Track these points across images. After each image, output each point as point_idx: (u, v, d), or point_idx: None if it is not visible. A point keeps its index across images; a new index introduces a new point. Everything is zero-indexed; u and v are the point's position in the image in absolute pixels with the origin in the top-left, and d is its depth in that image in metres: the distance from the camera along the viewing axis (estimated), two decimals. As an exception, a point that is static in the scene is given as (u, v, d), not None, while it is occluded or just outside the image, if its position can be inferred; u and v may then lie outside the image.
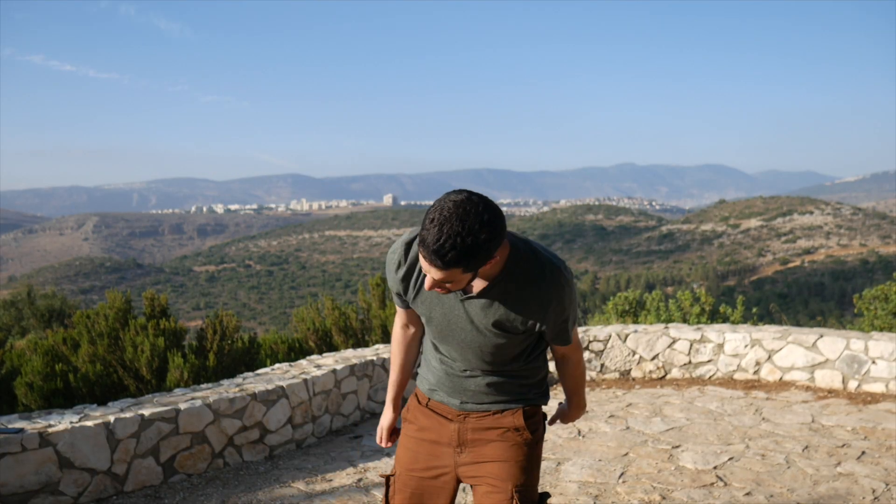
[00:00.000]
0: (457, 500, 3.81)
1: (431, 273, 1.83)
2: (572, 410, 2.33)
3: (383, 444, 2.36)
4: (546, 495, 2.20)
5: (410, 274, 2.04)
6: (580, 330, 6.69)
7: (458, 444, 2.13)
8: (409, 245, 2.03)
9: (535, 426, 2.14)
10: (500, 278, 1.94)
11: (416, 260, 2.01)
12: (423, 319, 2.12)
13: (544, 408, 2.63)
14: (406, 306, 2.19)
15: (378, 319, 8.47)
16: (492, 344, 2.01)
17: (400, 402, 2.39)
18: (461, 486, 2.21)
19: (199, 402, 4.27)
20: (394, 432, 2.37)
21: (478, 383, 2.11)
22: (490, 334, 2.00)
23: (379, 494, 3.92)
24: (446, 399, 2.17)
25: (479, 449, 2.11)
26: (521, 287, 1.95)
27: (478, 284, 1.96)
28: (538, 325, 1.98)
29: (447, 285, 1.88)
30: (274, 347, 7.43)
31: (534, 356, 2.13)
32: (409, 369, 2.35)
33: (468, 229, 1.74)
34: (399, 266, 2.04)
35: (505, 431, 2.10)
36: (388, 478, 2.25)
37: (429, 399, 2.22)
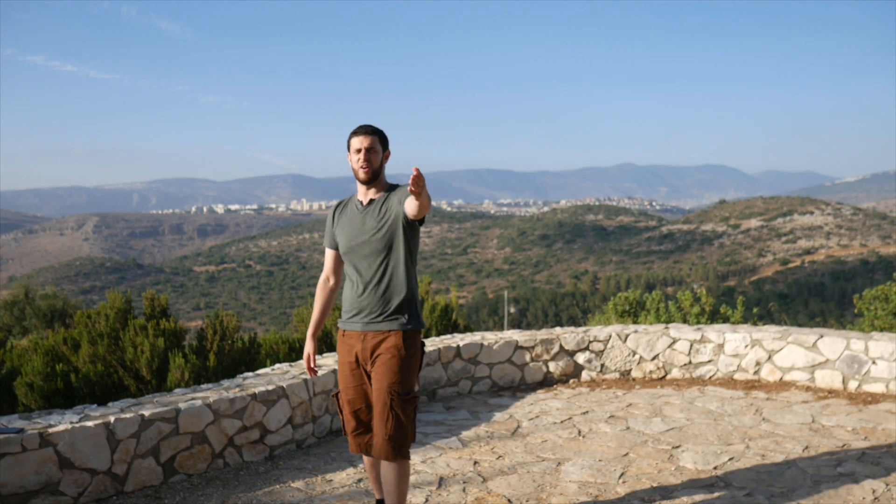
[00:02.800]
0: (458, 501, 3.82)
1: (362, 143, 3.18)
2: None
3: (308, 374, 3.54)
4: (418, 393, 3.35)
5: (335, 214, 3.38)
6: (580, 330, 6.70)
7: (363, 360, 3.24)
8: (337, 204, 3.41)
9: (410, 345, 3.19)
10: (384, 193, 3.26)
11: (338, 209, 3.38)
12: (340, 241, 3.29)
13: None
14: (332, 244, 3.37)
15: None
16: (377, 236, 3.18)
17: (318, 336, 3.47)
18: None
19: (199, 403, 4.27)
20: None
21: (371, 297, 3.19)
22: (378, 229, 3.18)
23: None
24: (352, 326, 3.26)
25: (373, 361, 3.19)
26: (394, 191, 3.25)
27: (370, 196, 3.25)
28: (400, 203, 3.14)
29: (370, 155, 3.18)
30: (274, 348, 7.42)
31: (404, 257, 3.20)
32: (327, 311, 3.47)
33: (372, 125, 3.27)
34: (334, 212, 3.39)
35: (389, 348, 3.16)
36: (336, 395, 3.39)
37: (343, 331, 3.32)
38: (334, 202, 3.49)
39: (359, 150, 3.20)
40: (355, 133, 3.23)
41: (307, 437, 4.89)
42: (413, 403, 3.17)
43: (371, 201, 3.24)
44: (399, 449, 3.11)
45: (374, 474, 3.44)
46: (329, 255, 3.42)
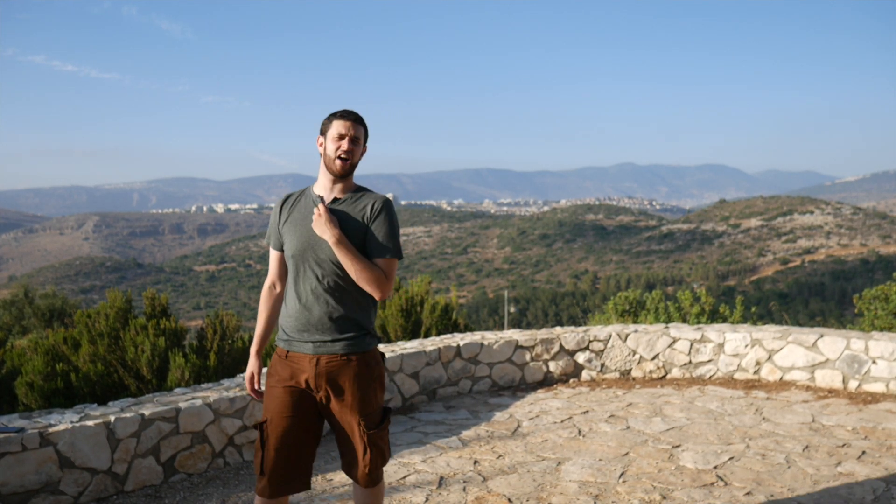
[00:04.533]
0: (458, 501, 3.81)
1: (348, 130, 2.70)
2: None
3: (249, 392, 2.92)
4: (388, 409, 2.84)
5: (283, 209, 2.83)
6: (580, 330, 6.70)
7: (316, 388, 2.71)
8: (285, 198, 2.88)
9: (375, 366, 2.77)
10: (351, 193, 2.77)
11: (286, 204, 2.84)
12: (288, 242, 2.76)
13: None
14: (278, 244, 2.85)
15: (378, 319, 8.47)
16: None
17: (262, 353, 2.95)
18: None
19: (199, 402, 4.28)
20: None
21: (322, 312, 2.69)
22: (343, 231, 2.67)
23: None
24: (301, 347, 2.73)
25: (330, 390, 2.70)
26: (362, 197, 2.76)
27: (335, 194, 2.77)
28: (369, 222, 2.69)
29: (353, 146, 2.71)
30: (274, 347, 7.43)
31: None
32: (272, 324, 2.94)
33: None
34: (281, 206, 2.84)
35: (353, 377, 2.70)
36: (260, 424, 2.74)
37: (287, 352, 2.77)
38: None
39: (342, 137, 2.70)
40: (340, 117, 2.72)
41: (307, 436, 4.89)
42: (386, 428, 2.81)
43: (336, 199, 2.75)
44: (380, 477, 2.83)
45: None
46: (274, 257, 2.90)
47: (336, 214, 2.70)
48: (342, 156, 2.69)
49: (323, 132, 2.76)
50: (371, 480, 2.79)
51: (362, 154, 2.79)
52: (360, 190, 2.81)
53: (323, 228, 2.62)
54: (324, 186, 2.78)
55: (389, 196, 2.90)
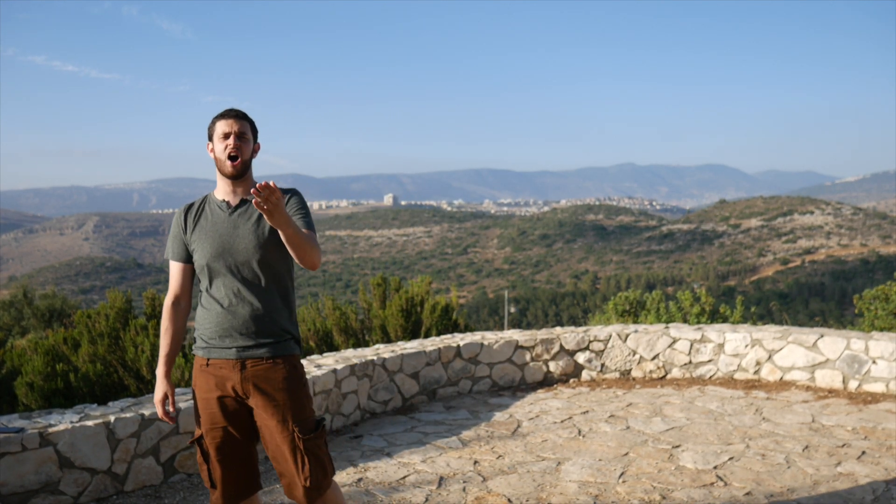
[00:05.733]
0: (458, 501, 3.81)
1: (231, 127, 2.63)
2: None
3: (162, 416, 2.71)
4: (322, 419, 2.73)
5: (188, 219, 2.72)
6: (580, 330, 6.70)
7: (244, 394, 2.63)
8: (187, 208, 2.76)
9: (301, 373, 2.69)
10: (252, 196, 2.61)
11: (190, 213, 2.73)
12: (200, 249, 2.66)
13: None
14: (182, 255, 2.73)
15: (378, 319, 8.47)
16: (254, 243, 2.62)
17: (170, 374, 2.75)
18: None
19: (199, 402, 4.27)
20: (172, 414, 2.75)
21: (247, 314, 2.61)
22: (252, 233, 2.63)
23: (379, 494, 3.92)
24: (222, 353, 2.63)
25: (259, 395, 2.61)
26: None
27: (239, 196, 2.69)
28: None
29: (241, 143, 2.63)
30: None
31: (284, 270, 2.70)
32: (179, 341, 2.77)
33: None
34: (185, 216, 2.73)
35: (280, 381, 2.61)
36: (197, 440, 2.69)
37: (208, 360, 2.66)
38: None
39: (227, 136, 2.63)
40: (221, 116, 2.66)
41: (307, 436, 4.88)
42: (323, 436, 2.69)
43: (242, 202, 2.68)
44: (322, 491, 2.68)
45: None
46: (177, 269, 2.75)
47: (244, 216, 2.66)
48: (231, 154, 2.63)
49: (210, 136, 2.70)
50: (315, 494, 2.65)
51: (255, 152, 2.72)
52: None
53: (276, 205, 2.33)
54: (225, 191, 2.71)
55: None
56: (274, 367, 2.63)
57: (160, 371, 2.74)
